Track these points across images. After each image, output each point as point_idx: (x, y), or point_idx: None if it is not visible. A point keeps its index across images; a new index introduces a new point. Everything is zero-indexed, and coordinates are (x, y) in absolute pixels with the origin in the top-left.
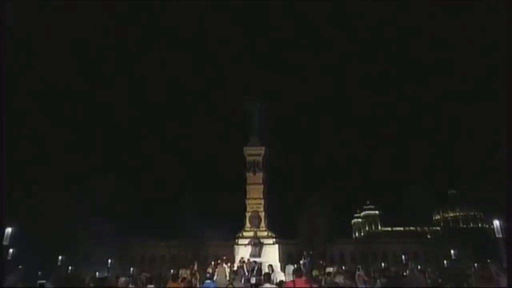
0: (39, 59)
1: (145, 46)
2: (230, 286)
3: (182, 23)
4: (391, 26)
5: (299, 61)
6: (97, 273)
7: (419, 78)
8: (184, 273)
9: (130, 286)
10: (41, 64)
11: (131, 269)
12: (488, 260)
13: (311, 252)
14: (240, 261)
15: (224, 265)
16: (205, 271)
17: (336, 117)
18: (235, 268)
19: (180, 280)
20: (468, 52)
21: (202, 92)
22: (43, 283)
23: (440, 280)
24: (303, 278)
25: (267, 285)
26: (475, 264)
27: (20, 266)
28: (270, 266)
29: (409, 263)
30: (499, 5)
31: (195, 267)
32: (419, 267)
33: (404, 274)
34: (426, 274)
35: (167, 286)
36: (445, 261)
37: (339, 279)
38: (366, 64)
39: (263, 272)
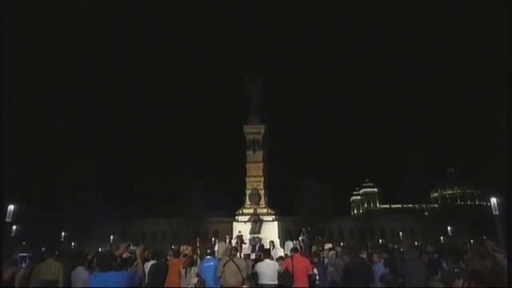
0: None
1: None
2: (231, 262)
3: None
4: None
5: (298, 39)
6: (99, 249)
7: (419, 54)
8: (185, 249)
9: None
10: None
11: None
12: (484, 237)
13: (309, 229)
14: (236, 236)
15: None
16: (209, 247)
17: (337, 95)
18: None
19: (181, 256)
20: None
21: (202, 70)
22: (24, 256)
23: (436, 256)
24: (300, 253)
25: (268, 260)
26: (471, 241)
27: (24, 243)
28: (271, 242)
29: (403, 239)
30: (499, 5)
31: (198, 243)
32: (416, 243)
33: (401, 250)
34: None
35: (169, 261)
36: (441, 238)
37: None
38: (366, 39)
39: (263, 248)
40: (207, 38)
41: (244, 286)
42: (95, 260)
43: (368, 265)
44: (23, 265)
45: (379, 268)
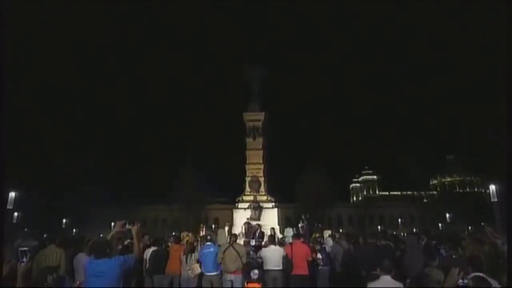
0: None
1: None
2: (231, 248)
3: None
4: None
5: (298, 26)
6: (101, 235)
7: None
8: (185, 235)
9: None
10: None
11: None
12: (482, 223)
13: (308, 216)
14: (245, 223)
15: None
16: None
17: (337, 81)
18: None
19: (182, 242)
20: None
21: (203, 57)
22: (25, 250)
23: (434, 242)
24: (301, 240)
25: (273, 246)
26: (470, 227)
27: (25, 229)
28: (272, 229)
29: (401, 226)
30: (499, 5)
31: (203, 229)
32: (414, 230)
33: (399, 236)
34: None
35: (170, 248)
36: (440, 224)
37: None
38: (366, 26)
39: (264, 235)
40: (207, 23)
41: None
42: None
43: (374, 250)
44: (24, 259)
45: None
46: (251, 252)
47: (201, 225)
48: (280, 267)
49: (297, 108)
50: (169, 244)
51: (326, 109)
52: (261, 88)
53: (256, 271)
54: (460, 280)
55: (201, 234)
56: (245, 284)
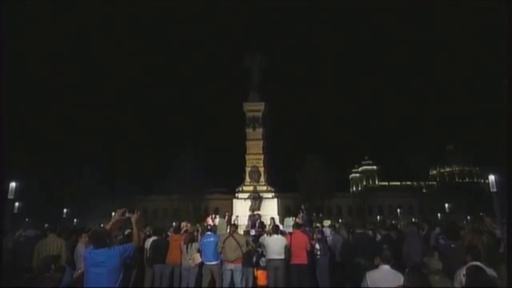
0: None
1: None
2: (231, 238)
3: None
4: None
5: (299, 14)
6: (101, 225)
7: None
8: (185, 225)
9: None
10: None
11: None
12: (481, 214)
13: (307, 206)
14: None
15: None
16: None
17: (337, 73)
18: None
19: (182, 231)
20: None
21: (203, 45)
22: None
23: (437, 230)
24: (301, 230)
25: (275, 236)
26: (468, 217)
27: (26, 219)
28: (272, 219)
29: (401, 215)
30: (499, 5)
31: (211, 219)
32: (413, 220)
33: (398, 226)
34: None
35: (170, 237)
36: (439, 214)
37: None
38: (368, 15)
39: (265, 225)
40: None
41: None
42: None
43: (371, 239)
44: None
45: None
46: (251, 242)
47: (212, 215)
48: (282, 256)
49: (297, 98)
50: (169, 234)
51: (326, 99)
52: (261, 77)
53: (264, 259)
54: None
55: (211, 223)
56: (254, 271)
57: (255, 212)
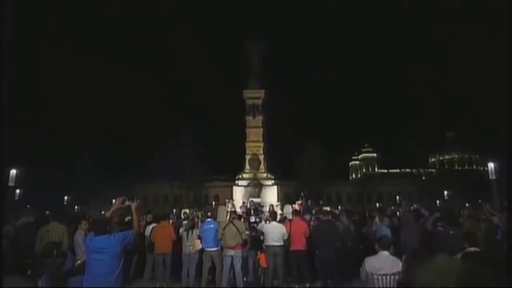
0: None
1: None
2: (231, 224)
3: None
4: None
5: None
6: (102, 212)
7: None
8: (184, 212)
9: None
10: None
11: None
12: (480, 201)
13: (305, 192)
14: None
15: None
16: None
17: (336, 59)
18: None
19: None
20: None
21: (203, 33)
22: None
23: (437, 216)
24: (301, 217)
25: (274, 222)
26: (467, 204)
27: (28, 206)
28: (271, 206)
29: (400, 202)
30: (499, 5)
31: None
32: (412, 207)
33: (397, 213)
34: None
35: (157, 226)
36: (437, 201)
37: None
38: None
39: (263, 212)
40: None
41: None
42: None
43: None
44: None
45: (384, 231)
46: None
47: (228, 200)
48: (281, 243)
49: (297, 85)
50: (170, 221)
51: (326, 86)
52: (261, 64)
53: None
54: None
55: (229, 209)
56: (258, 254)
57: (255, 199)
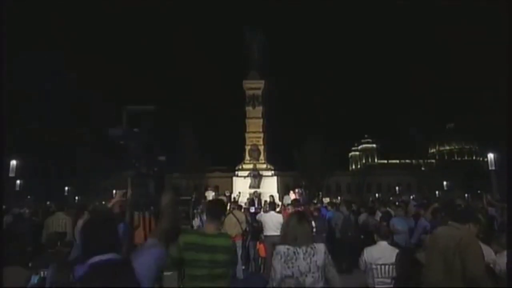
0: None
1: None
2: (231, 215)
3: None
4: None
5: None
6: (103, 203)
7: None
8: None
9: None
10: None
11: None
12: (478, 191)
13: (304, 183)
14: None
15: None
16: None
17: (337, 50)
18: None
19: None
20: None
21: (203, 22)
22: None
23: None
24: (300, 207)
25: (273, 212)
26: (466, 195)
27: (28, 197)
28: (271, 196)
29: (400, 193)
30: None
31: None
32: (411, 197)
33: (397, 203)
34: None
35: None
36: (437, 192)
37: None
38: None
39: (262, 202)
40: None
41: None
42: None
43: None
44: None
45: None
46: (249, 218)
47: (239, 192)
48: (279, 233)
49: (297, 76)
50: None
51: (326, 77)
52: (261, 53)
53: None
54: None
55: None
56: (257, 244)
57: (255, 190)
